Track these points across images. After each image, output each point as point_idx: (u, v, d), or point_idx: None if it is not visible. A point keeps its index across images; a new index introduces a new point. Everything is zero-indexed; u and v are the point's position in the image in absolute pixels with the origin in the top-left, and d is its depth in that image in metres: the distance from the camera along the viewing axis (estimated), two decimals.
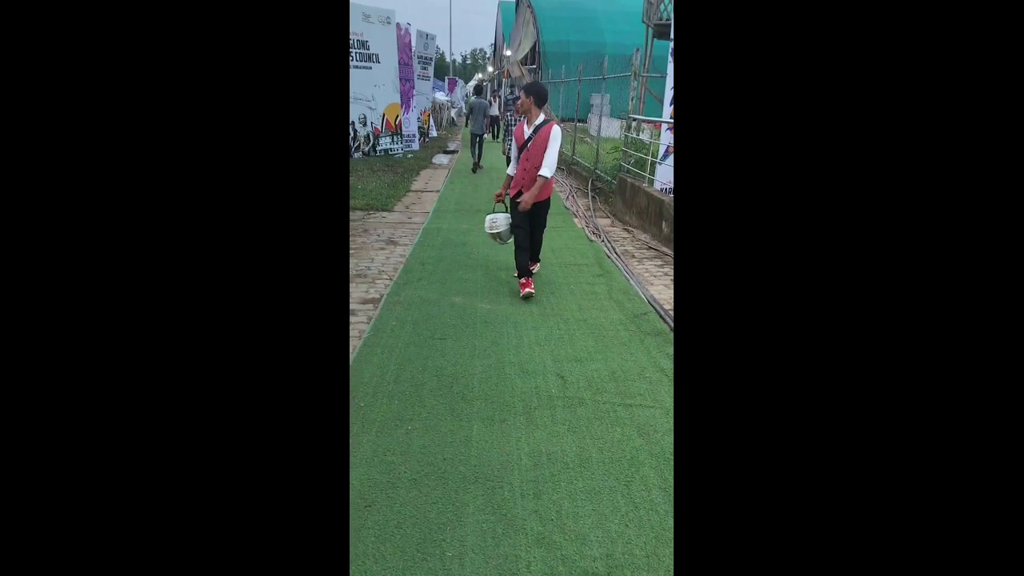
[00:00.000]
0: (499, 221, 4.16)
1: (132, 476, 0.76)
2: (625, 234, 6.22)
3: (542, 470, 2.10)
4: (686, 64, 0.89)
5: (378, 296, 3.98)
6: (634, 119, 7.51)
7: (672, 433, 2.36)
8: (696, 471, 0.82)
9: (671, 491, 2.01)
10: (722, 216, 0.83)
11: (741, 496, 0.79)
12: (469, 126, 12.35)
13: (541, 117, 3.98)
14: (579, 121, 11.48)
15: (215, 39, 0.79)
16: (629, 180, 6.75)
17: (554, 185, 3.72)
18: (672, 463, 2.16)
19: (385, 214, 6.83)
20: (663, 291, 4.30)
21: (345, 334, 0.92)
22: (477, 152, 10.68)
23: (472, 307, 3.78)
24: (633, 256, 5.32)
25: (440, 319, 3.54)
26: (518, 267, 4.09)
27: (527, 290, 3.98)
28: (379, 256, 5.03)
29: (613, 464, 2.15)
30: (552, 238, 5.79)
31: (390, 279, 4.38)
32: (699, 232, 0.85)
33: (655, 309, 3.86)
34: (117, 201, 0.76)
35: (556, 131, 3.86)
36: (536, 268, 4.49)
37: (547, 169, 3.81)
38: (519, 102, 4.50)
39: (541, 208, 4.09)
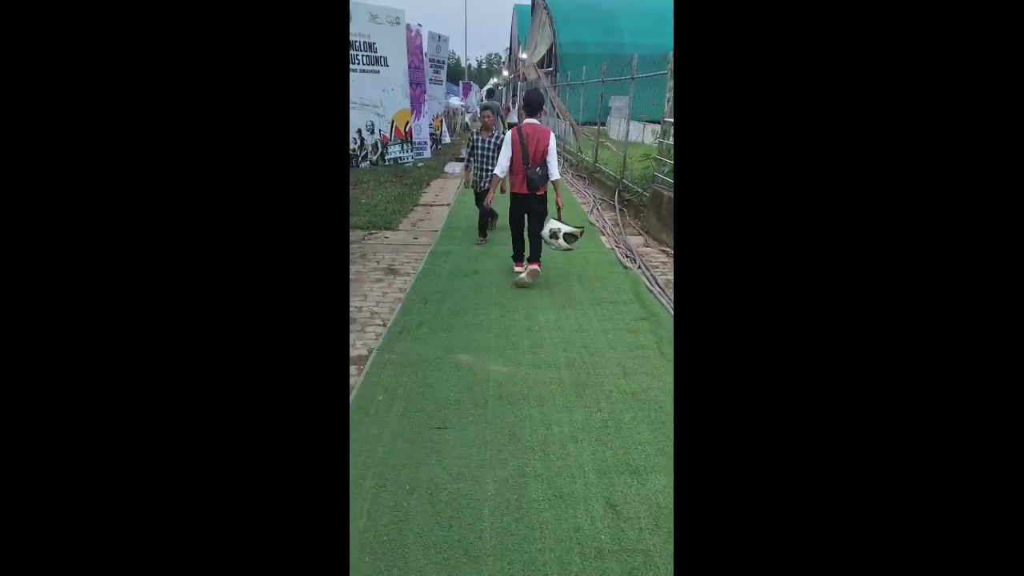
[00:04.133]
0: (553, 228, 4.29)
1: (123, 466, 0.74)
2: (665, 257, 5.30)
3: None
4: (687, 64, 0.86)
5: (365, 352, 3.12)
6: (671, 123, 6.58)
7: None
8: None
9: None
10: (728, 220, 0.80)
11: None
12: None
13: (527, 121, 4.28)
14: (601, 124, 10.58)
15: (209, 39, 0.76)
16: (666, 193, 5.83)
17: (505, 185, 4.51)
18: None
19: (388, 234, 6.01)
20: None
21: (345, 349, 0.87)
22: None
23: (483, 371, 2.91)
24: None
25: (441, 391, 2.68)
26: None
27: (521, 276, 4.31)
28: (375, 290, 4.20)
29: None
30: (578, 262, 4.92)
31: (383, 324, 3.53)
32: (703, 239, 0.82)
33: None
34: (109, 201, 0.74)
35: (504, 137, 4.36)
36: (532, 269, 4.40)
37: (496, 169, 4.41)
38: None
39: (522, 202, 4.46)
